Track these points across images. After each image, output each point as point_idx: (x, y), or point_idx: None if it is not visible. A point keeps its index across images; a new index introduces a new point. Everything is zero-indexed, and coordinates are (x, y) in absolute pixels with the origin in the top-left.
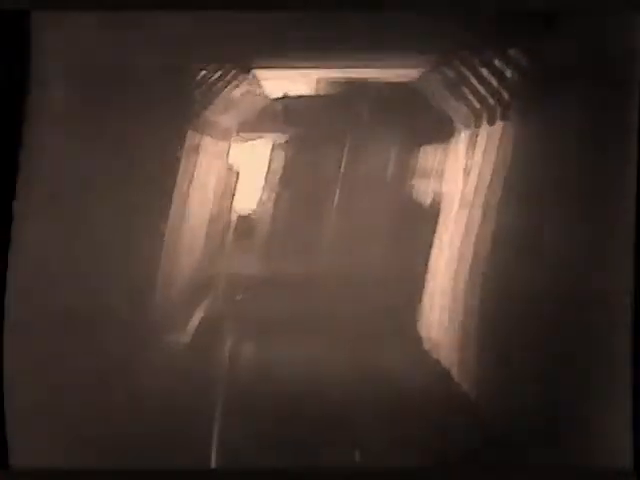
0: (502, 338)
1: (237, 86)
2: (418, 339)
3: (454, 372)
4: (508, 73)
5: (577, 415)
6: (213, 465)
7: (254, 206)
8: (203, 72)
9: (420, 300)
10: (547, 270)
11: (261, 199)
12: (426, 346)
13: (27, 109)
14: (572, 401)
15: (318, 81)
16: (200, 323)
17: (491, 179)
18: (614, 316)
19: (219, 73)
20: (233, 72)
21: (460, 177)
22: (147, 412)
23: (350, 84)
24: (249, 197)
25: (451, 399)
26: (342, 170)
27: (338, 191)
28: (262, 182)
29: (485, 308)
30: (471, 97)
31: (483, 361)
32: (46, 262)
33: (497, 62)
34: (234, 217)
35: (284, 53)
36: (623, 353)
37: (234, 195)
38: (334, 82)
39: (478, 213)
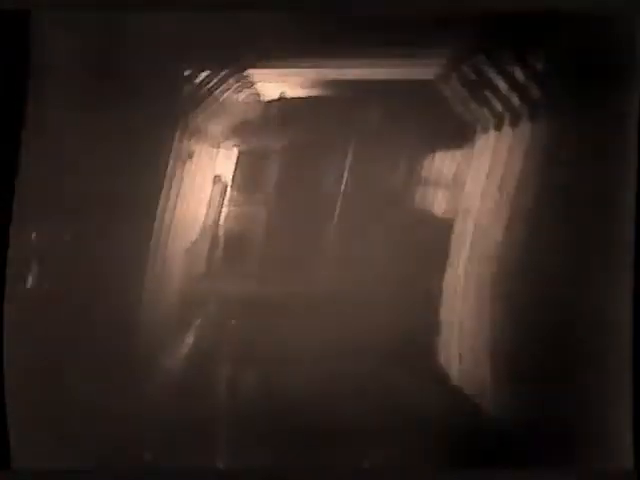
0: (506, 342)
1: (229, 88)
2: (428, 365)
3: (465, 387)
4: (526, 75)
5: (577, 415)
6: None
7: (248, 220)
8: (194, 74)
9: (432, 324)
10: (569, 278)
11: (256, 212)
12: (438, 372)
13: (26, 109)
14: (572, 401)
15: (318, 82)
16: (193, 348)
17: (513, 188)
18: (615, 316)
19: (210, 74)
20: (225, 73)
21: (479, 187)
22: (146, 415)
23: (354, 85)
24: (242, 210)
25: (455, 404)
26: (345, 181)
27: (341, 204)
28: (257, 194)
29: (503, 327)
30: (487, 100)
31: (489, 368)
32: (43, 263)
33: (513, 65)
34: (225, 232)
35: (282, 51)
36: (623, 353)
37: (225, 208)
38: (336, 83)
39: (499, 227)
